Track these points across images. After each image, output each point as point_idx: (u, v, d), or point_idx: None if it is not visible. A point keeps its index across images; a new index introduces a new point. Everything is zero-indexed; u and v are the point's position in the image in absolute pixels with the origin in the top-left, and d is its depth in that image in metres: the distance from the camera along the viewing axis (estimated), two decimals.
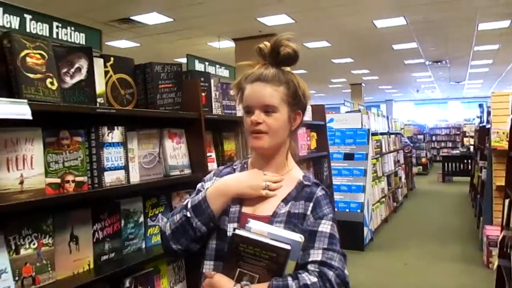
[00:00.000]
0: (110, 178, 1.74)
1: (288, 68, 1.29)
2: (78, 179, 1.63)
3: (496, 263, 3.45)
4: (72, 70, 1.67)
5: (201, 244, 1.26)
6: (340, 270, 1.13)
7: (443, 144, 19.60)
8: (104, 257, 1.78)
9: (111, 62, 1.92)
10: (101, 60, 1.86)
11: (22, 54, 1.44)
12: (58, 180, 1.57)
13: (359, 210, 5.69)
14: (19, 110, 1.34)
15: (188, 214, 1.23)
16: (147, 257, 1.91)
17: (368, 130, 6.21)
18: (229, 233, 1.20)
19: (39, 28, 2.18)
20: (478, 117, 9.13)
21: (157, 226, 2.06)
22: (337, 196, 5.66)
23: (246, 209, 1.26)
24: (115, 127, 1.78)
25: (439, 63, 13.95)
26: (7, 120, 1.32)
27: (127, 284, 1.82)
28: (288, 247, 1.07)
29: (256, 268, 1.11)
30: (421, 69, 15.33)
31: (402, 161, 9.63)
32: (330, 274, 1.11)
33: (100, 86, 1.81)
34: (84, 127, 1.69)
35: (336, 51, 11.90)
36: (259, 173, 1.28)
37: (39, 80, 1.48)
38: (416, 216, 7.90)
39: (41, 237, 1.51)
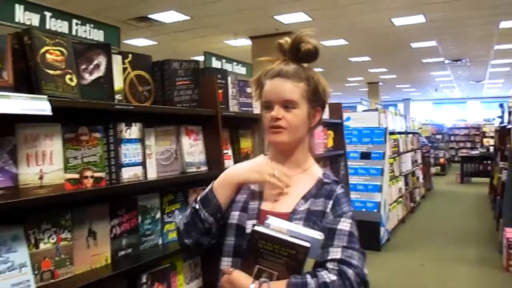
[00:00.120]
0: (128, 174, 1.75)
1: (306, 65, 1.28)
2: (96, 174, 1.64)
3: None
4: (91, 66, 1.68)
5: (211, 238, 1.26)
6: (360, 269, 1.11)
7: (461, 144, 19.25)
8: (121, 253, 1.79)
9: (129, 59, 1.92)
10: (119, 57, 1.87)
11: (42, 50, 1.45)
12: (77, 176, 1.58)
13: (375, 210, 5.62)
14: (39, 106, 1.36)
15: (197, 206, 1.24)
16: (163, 253, 1.91)
17: (385, 129, 6.13)
18: (248, 230, 1.19)
19: (59, 25, 2.20)
20: (498, 117, 8.95)
21: (173, 223, 2.06)
22: (353, 195, 5.60)
23: (265, 206, 1.25)
24: (133, 124, 1.79)
25: (458, 62, 13.70)
26: (27, 116, 1.34)
27: (144, 280, 1.83)
28: (307, 244, 1.06)
29: (275, 265, 1.10)
30: (440, 68, 15.09)
31: (420, 161, 9.51)
32: (350, 272, 1.09)
33: (118, 82, 1.82)
34: (102, 123, 1.70)
35: (353, 49, 11.80)
36: (268, 161, 1.27)
37: (59, 77, 1.49)
38: (433, 217, 7.79)
39: (60, 232, 1.53)
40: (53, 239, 1.50)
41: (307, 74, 1.23)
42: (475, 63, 13.94)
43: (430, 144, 12.41)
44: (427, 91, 22.84)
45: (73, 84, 1.54)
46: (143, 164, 1.83)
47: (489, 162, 11.58)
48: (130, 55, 1.93)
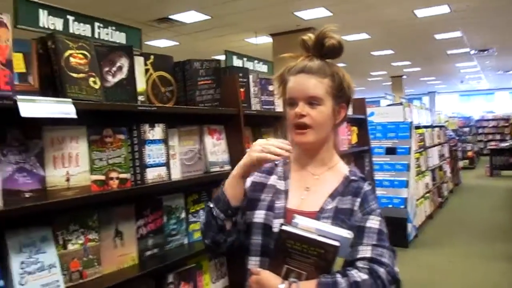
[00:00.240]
0: (152, 175, 1.75)
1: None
2: (122, 176, 1.66)
3: None
4: (114, 69, 1.69)
5: (227, 236, 1.24)
6: (391, 267, 1.09)
7: (490, 137, 18.74)
8: (148, 253, 1.80)
9: (151, 60, 1.93)
10: (142, 59, 1.88)
11: (66, 54, 1.47)
12: (103, 177, 1.60)
13: (402, 206, 5.52)
14: (64, 109, 1.37)
15: (211, 205, 1.24)
16: (189, 253, 1.92)
17: (411, 123, 6.01)
18: (275, 229, 1.17)
19: (82, 29, 2.22)
20: None
21: (198, 222, 2.07)
22: (379, 192, 5.52)
23: (291, 205, 1.23)
24: (156, 125, 1.80)
25: (485, 52, 13.31)
26: (53, 119, 1.36)
27: (171, 280, 1.84)
28: (337, 243, 1.04)
29: (304, 264, 1.08)
30: (465, 59, 14.72)
31: (447, 155, 9.29)
32: (381, 271, 1.07)
33: (141, 84, 1.83)
34: (126, 125, 1.71)
35: (375, 43, 11.62)
36: (261, 141, 1.22)
37: (83, 80, 1.51)
38: (462, 212, 7.60)
39: (87, 233, 1.55)
40: (80, 240, 1.53)
41: (332, 70, 1.21)
42: (502, 52, 13.51)
43: (457, 138, 12.13)
44: (453, 83, 22.32)
45: (96, 86, 1.55)
46: (167, 164, 1.83)
47: None
48: (152, 57, 1.94)
